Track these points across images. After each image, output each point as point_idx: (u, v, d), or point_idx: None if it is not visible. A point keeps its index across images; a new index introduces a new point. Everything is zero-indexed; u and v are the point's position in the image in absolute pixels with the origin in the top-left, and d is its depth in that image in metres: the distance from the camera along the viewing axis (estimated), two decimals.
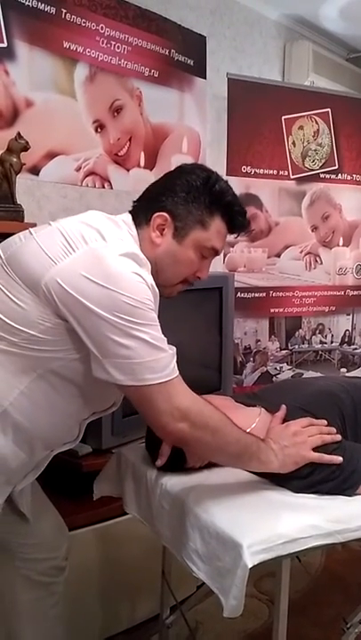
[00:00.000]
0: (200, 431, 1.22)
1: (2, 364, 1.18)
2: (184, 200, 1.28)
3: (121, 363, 1.14)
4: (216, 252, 1.35)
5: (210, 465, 1.51)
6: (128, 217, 1.31)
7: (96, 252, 1.15)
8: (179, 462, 1.48)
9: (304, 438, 1.41)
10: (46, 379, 1.20)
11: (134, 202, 1.35)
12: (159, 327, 1.18)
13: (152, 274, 1.23)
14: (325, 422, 1.46)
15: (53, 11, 2.35)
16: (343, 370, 3.52)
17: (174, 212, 1.28)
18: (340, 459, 1.40)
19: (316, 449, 1.41)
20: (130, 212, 1.33)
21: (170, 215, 1.28)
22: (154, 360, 1.15)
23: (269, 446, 1.36)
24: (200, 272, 1.35)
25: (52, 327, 1.15)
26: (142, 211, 1.31)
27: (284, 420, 1.52)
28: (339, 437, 1.44)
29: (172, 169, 1.38)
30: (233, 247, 3.06)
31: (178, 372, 1.20)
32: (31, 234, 1.22)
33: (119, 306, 1.11)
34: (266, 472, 1.45)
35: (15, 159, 2.01)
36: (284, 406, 1.52)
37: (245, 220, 1.36)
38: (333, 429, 1.46)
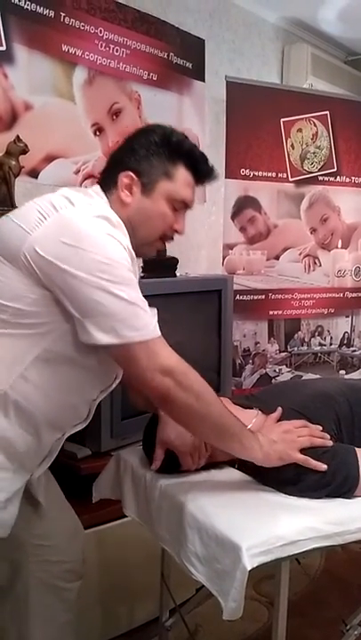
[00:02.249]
0: (184, 392, 1.22)
1: (0, 348, 1.20)
2: (145, 156, 1.31)
3: (100, 321, 1.16)
4: (186, 204, 1.36)
5: (208, 467, 1.52)
6: (96, 187, 1.34)
7: (67, 216, 1.18)
8: (176, 465, 1.48)
9: (294, 437, 1.40)
10: (44, 359, 1.22)
11: (100, 173, 1.38)
12: (138, 289, 1.20)
13: (129, 234, 1.26)
14: (320, 427, 1.46)
15: (52, 14, 2.36)
16: (342, 372, 3.52)
17: (138, 169, 1.30)
18: (325, 466, 1.38)
19: (308, 452, 1.41)
20: (97, 182, 1.36)
21: (135, 173, 1.30)
22: (133, 317, 1.17)
23: (256, 436, 1.36)
24: (176, 225, 1.36)
25: (37, 299, 1.18)
26: (108, 176, 1.33)
27: (282, 420, 1.53)
28: (330, 443, 1.43)
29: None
30: (232, 249, 3.06)
31: (160, 334, 1.21)
32: (7, 216, 1.24)
33: (94, 265, 1.14)
34: (264, 477, 1.46)
35: (14, 162, 2.02)
36: (279, 408, 1.53)
37: (209, 167, 1.38)
38: (327, 435, 1.45)
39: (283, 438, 1.39)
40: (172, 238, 1.39)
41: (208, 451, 1.49)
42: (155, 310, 1.23)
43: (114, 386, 1.41)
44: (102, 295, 1.14)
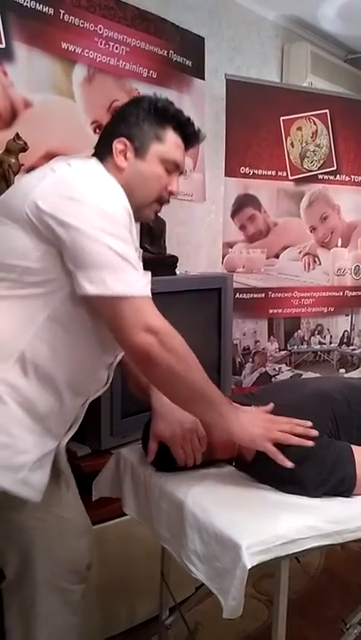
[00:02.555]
0: (167, 353, 1.23)
1: (11, 310, 1.25)
2: (136, 122, 1.37)
3: (91, 272, 1.19)
4: (178, 166, 1.41)
5: (207, 466, 1.51)
6: (93, 158, 1.39)
7: (66, 174, 1.25)
8: (171, 460, 1.48)
9: (273, 428, 1.38)
10: (54, 319, 1.25)
11: (95, 147, 1.43)
12: (133, 248, 1.25)
13: (128, 199, 1.30)
14: (310, 423, 1.43)
15: (52, 12, 2.36)
16: (342, 370, 3.52)
17: (130, 135, 1.36)
18: (290, 463, 1.36)
19: (304, 449, 1.40)
20: (92, 155, 1.41)
21: (127, 138, 1.36)
22: (123, 271, 1.20)
23: (237, 410, 1.37)
24: (170, 186, 1.41)
25: (42, 255, 1.22)
26: (102, 146, 1.39)
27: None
28: (310, 443, 1.39)
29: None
30: (232, 248, 3.06)
31: (150, 295, 1.24)
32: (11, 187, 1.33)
33: (91, 216, 1.19)
34: (263, 475, 1.46)
35: (13, 160, 2.02)
36: (271, 404, 1.52)
37: (195, 130, 1.43)
38: (313, 432, 1.41)
39: (264, 426, 1.38)
40: (168, 201, 1.44)
41: (203, 446, 1.49)
42: (148, 273, 1.27)
43: None
44: (96, 246, 1.18)
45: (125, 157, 1.36)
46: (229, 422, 1.35)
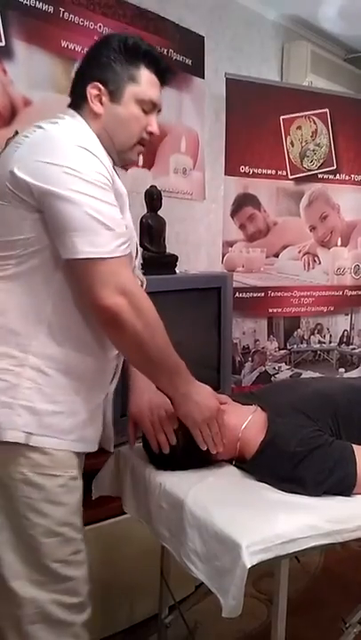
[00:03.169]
0: (135, 317, 1.23)
1: (27, 284, 1.25)
2: (107, 64, 1.33)
3: (64, 236, 1.19)
4: (155, 105, 1.38)
5: (208, 464, 1.51)
6: (67, 110, 1.37)
7: (36, 137, 1.23)
8: (176, 460, 1.48)
9: (210, 417, 1.42)
10: (66, 281, 1.26)
11: (69, 94, 1.40)
12: (111, 207, 1.23)
13: (108, 144, 1.32)
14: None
15: (51, 10, 2.35)
16: (342, 370, 3.52)
17: (104, 78, 1.33)
18: (205, 447, 1.43)
19: (304, 447, 1.43)
20: (68, 105, 1.38)
21: (100, 82, 1.33)
22: (94, 233, 1.19)
23: (190, 384, 1.39)
24: (150, 126, 1.38)
25: (33, 224, 1.22)
26: (76, 93, 1.36)
27: (280, 418, 1.53)
28: (216, 449, 1.45)
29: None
30: (232, 247, 3.06)
31: (124, 254, 1.24)
32: None
33: (62, 177, 1.18)
34: (263, 474, 1.46)
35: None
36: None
37: (166, 63, 1.41)
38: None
39: (207, 412, 1.41)
40: (150, 141, 1.42)
41: (172, 422, 1.48)
42: (125, 231, 1.26)
43: None
44: (68, 209, 1.18)
45: (101, 102, 1.33)
46: (173, 392, 1.39)
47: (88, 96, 1.33)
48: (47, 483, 1.28)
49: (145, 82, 1.35)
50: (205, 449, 1.44)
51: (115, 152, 1.35)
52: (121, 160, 1.38)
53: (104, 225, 1.20)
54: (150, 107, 1.37)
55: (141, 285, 1.33)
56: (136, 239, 1.54)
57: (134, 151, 1.40)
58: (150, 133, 1.39)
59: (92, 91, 1.32)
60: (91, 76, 1.33)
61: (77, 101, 1.36)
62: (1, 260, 1.26)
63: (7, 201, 1.22)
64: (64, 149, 1.21)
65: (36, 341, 1.26)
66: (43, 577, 1.28)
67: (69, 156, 1.20)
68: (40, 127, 1.25)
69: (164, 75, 1.40)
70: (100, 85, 1.32)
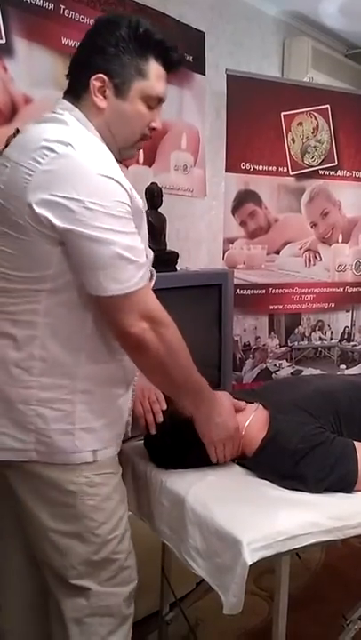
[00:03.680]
0: (158, 342, 1.24)
1: (62, 317, 1.23)
2: (115, 54, 1.24)
3: (89, 274, 1.18)
4: (161, 100, 1.32)
5: (209, 463, 1.51)
6: (63, 102, 1.28)
7: (53, 167, 1.14)
8: (178, 458, 1.48)
9: (222, 443, 1.48)
10: (98, 311, 1.25)
11: (67, 77, 1.32)
12: (134, 238, 1.20)
13: (108, 140, 1.27)
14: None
15: (52, 7, 2.35)
16: (343, 366, 3.51)
17: (109, 70, 1.24)
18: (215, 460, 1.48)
19: (305, 445, 1.43)
20: (65, 92, 1.31)
21: (106, 74, 1.24)
22: (118, 270, 1.17)
23: (216, 411, 1.45)
24: (154, 122, 1.33)
25: (59, 256, 1.18)
26: (76, 81, 1.28)
27: (281, 415, 1.53)
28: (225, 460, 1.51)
29: (89, 29, 1.31)
30: (232, 244, 3.05)
31: (146, 281, 1.23)
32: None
33: (83, 213, 1.13)
34: (264, 471, 1.46)
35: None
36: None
37: (178, 54, 1.32)
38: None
39: (225, 433, 1.47)
40: (151, 136, 1.36)
41: (161, 403, 1.54)
42: (148, 258, 1.25)
43: None
44: (91, 246, 1.15)
45: (104, 95, 1.25)
46: (207, 418, 1.44)
47: (91, 87, 1.25)
48: (108, 481, 1.33)
49: (153, 76, 1.28)
50: (215, 462, 1.49)
51: (116, 148, 1.30)
52: (121, 155, 1.33)
53: (128, 260, 1.18)
54: (156, 102, 1.31)
55: (151, 277, 1.31)
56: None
57: (134, 147, 1.36)
58: (153, 129, 1.34)
59: (95, 83, 1.24)
60: (95, 66, 1.24)
61: (77, 91, 1.27)
62: (34, 294, 1.22)
63: (29, 237, 1.17)
64: (84, 180, 1.14)
65: (79, 367, 1.26)
66: (110, 572, 1.34)
67: (90, 188, 1.14)
68: (52, 150, 1.15)
69: (174, 66, 1.33)
70: (105, 77, 1.24)
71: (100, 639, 1.35)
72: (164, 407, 1.53)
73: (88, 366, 1.27)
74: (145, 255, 1.24)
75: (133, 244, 1.20)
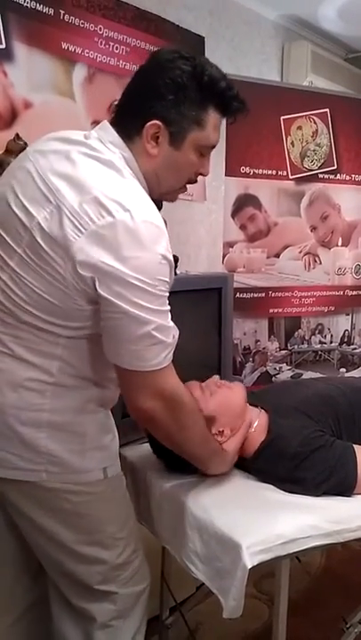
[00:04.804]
0: (170, 420, 1.24)
1: (74, 354, 1.23)
2: (174, 102, 1.17)
3: (115, 343, 1.16)
4: (213, 147, 1.28)
5: None
6: (114, 136, 1.21)
7: (107, 231, 1.09)
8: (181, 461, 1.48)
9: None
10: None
11: (115, 110, 1.25)
12: (168, 316, 1.18)
13: (152, 185, 1.23)
14: None
15: (52, 12, 2.35)
16: (343, 370, 3.51)
17: (167, 118, 1.18)
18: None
19: (305, 448, 1.44)
20: (113, 123, 1.23)
21: (162, 122, 1.18)
22: (145, 349, 1.15)
23: (222, 465, 1.48)
24: (202, 169, 1.28)
25: (90, 314, 1.17)
26: (129, 121, 1.21)
27: (281, 419, 1.53)
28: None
29: (146, 62, 1.24)
30: (232, 247, 3.05)
31: (169, 361, 1.20)
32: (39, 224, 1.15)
33: (131, 288, 1.10)
34: (264, 475, 1.46)
35: (13, 160, 2.01)
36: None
37: (241, 102, 1.25)
38: None
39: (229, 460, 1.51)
40: (196, 181, 1.32)
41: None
42: (174, 339, 1.20)
43: None
44: (126, 321, 1.13)
45: (157, 142, 1.20)
46: (218, 471, 1.48)
47: (144, 132, 1.19)
48: (119, 485, 1.37)
49: (211, 126, 1.22)
50: None
51: (158, 192, 1.25)
52: (161, 198, 1.28)
53: (157, 340, 1.15)
54: (208, 151, 1.27)
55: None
56: None
57: (178, 192, 1.32)
58: (200, 175, 1.29)
59: (150, 129, 1.18)
60: (151, 111, 1.18)
61: (129, 131, 1.20)
62: (54, 336, 1.20)
63: (67, 288, 1.14)
64: (135, 255, 1.10)
65: (90, 390, 1.27)
66: (131, 572, 1.36)
67: (139, 263, 1.10)
68: (109, 213, 1.09)
69: (233, 114, 1.26)
70: (161, 124, 1.18)
71: None
72: None
73: (97, 390, 1.28)
74: (173, 335, 1.20)
75: (167, 324, 1.18)
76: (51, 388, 1.22)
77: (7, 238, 1.19)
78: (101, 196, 1.11)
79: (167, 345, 1.18)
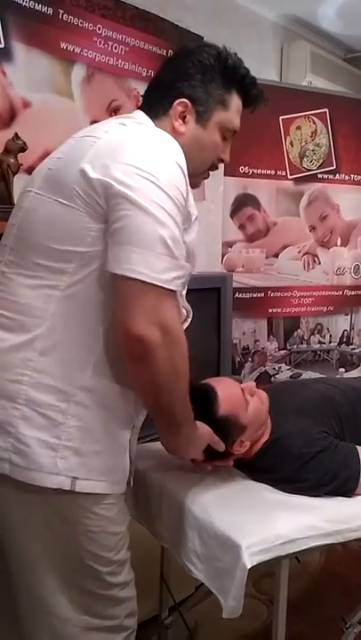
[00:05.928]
0: (164, 358, 1.07)
1: (79, 310, 1.13)
2: (201, 82, 1.24)
3: (123, 248, 1.05)
4: (235, 132, 1.32)
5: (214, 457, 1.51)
6: (141, 114, 1.25)
7: (121, 136, 1.12)
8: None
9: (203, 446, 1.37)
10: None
11: (144, 95, 1.30)
12: (181, 233, 1.10)
13: None
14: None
15: (50, 11, 2.35)
16: (342, 370, 3.52)
17: (194, 97, 1.24)
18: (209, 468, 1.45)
19: (310, 449, 1.43)
20: (140, 108, 1.27)
21: (190, 100, 1.23)
22: (156, 256, 1.05)
23: (194, 440, 1.31)
24: (224, 155, 1.32)
25: (96, 235, 1.10)
26: (157, 101, 1.26)
27: (283, 420, 1.53)
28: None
29: (176, 52, 1.34)
30: (231, 247, 3.06)
31: (178, 289, 1.12)
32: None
33: (146, 187, 1.06)
34: (263, 475, 1.46)
35: (12, 160, 2.01)
36: None
37: (260, 91, 1.32)
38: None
39: (198, 450, 1.35)
40: (217, 168, 1.35)
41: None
42: (188, 269, 1.16)
43: None
44: (141, 219, 1.05)
45: (185, 121, 1.24)
46: (177, 447, 1.31)
47: (172, 111, 1.24)
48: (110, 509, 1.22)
49: (233, 109, 1.29)
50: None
51: None
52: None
53: (170, 251, 1.06)
54: (231, 134, 1.31)
55: (186, 318, 1.23)
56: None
57: (201, 177, 1.33)
58: (221, 160, 1.33)
59: (178, 107, 1.23)
60: (179, 91, 1.24)
61: (156, 111, 1.25)
62: (54, 273, 1.12)
63: (72, 204, 1.10)
64: (150, 153, 1.10)
65: (83, 373, 1.14)
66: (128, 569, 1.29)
67: (155, 163, 1.08)
68: (123, 124, 1.15)
69: (253, 102, 1.33)
70: (189, 103, 1.24)
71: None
72: None
73: (93, 378, 1.15)
74: (185, 266, 1.13)
75: (180, 239, 1.10)
76: (36, 357, 1.12)
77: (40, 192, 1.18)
78: (116, 119, 1.18)
79: (180, 266, 1.10)
